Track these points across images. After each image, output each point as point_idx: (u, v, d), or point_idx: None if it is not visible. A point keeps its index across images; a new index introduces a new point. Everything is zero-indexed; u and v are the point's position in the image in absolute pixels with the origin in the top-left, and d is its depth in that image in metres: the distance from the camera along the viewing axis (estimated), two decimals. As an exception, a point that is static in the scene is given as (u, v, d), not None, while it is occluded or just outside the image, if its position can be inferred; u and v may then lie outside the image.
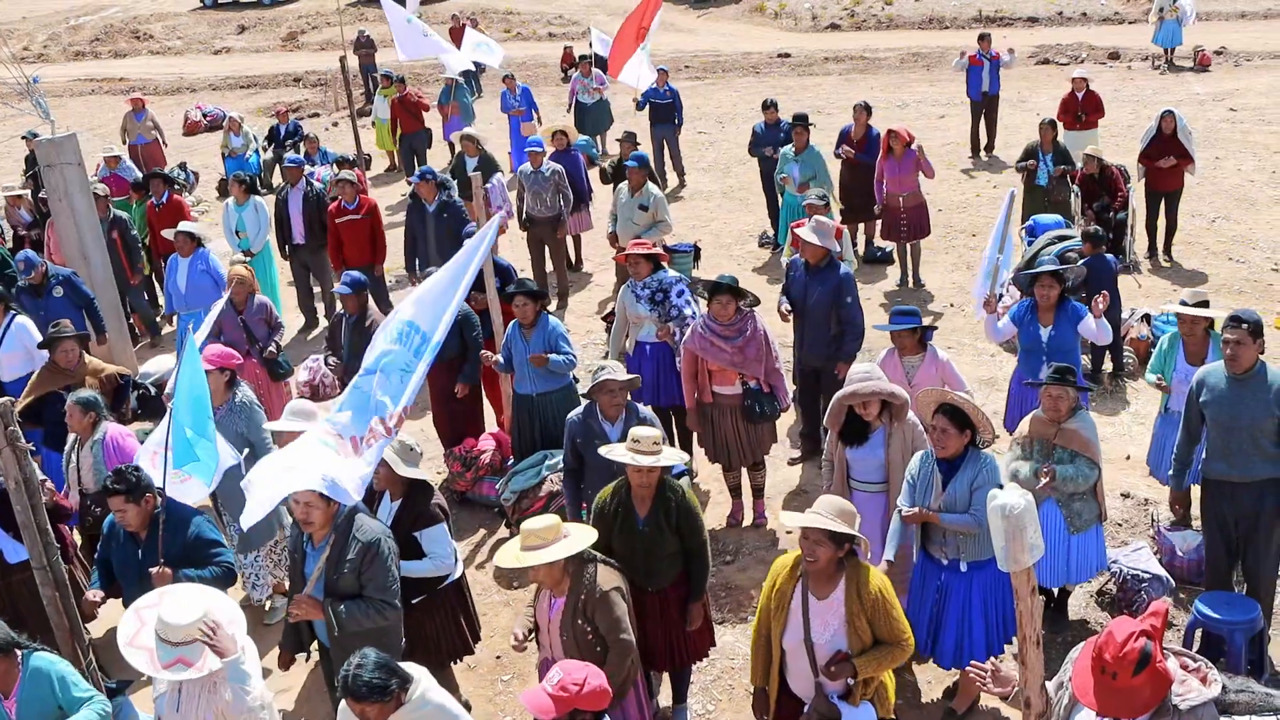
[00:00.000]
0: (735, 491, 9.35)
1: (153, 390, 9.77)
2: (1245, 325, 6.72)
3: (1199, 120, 20.18)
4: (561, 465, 8.77)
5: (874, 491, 7.15)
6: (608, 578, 5.95)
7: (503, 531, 9.39)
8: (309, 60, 35.48)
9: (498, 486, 9.29)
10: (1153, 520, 8.70)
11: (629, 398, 7.71)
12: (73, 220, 11.64)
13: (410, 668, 5.08)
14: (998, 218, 9.17)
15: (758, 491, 9.32)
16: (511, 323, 9.36)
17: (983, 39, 19.81)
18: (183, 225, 12.14)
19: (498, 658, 7.98)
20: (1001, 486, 6.22)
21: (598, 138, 21.34)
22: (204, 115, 26.81)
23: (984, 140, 19.92)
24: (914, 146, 13.73)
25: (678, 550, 6.53)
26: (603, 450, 6.89)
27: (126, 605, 6.78)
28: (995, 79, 19.49)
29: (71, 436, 8.22)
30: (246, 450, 8.00)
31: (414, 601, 6.69)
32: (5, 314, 10.25)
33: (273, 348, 10.48)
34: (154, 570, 6.31)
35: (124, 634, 5.44)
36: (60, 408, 9.13)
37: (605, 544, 6.45)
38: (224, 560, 6.59)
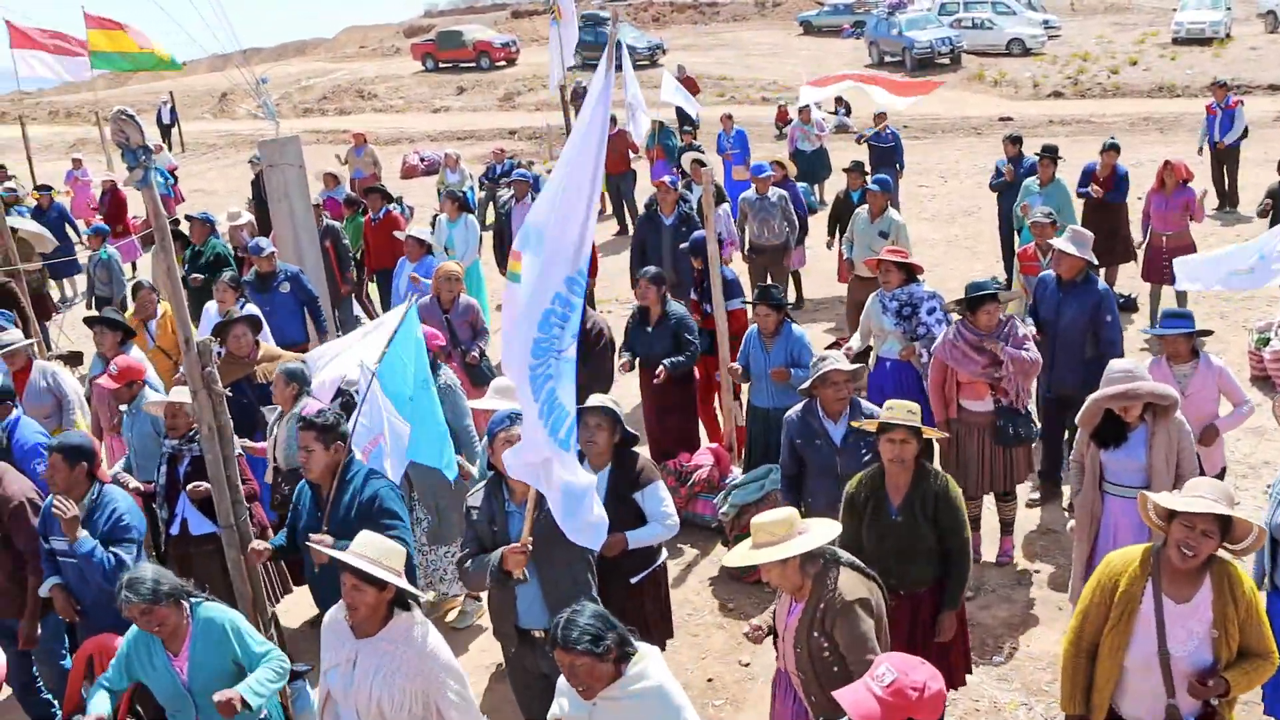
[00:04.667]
0: (974, 523, 8.32)
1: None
2: None
3: None
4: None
5: (1132, 497, 5.94)
6: (853, 586, 4.88)
7: (719, 551, 8.63)
8: (524, 119, 35.98)
9: (715, 501, 8.57)
10: None
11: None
12: (290, 222, 11.46)
13: (640, 644, 4.42)
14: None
15: (1006, 526, 8.36)
16: (750, 329, 8.73)
17: (1219, 86, 18.53)
18: (413, 229, 11.88)
19: (709, 680, 7.23)
20: None
21: (815, 187, 20.72)
22: (421, 159, 27.23)
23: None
24: (1190, 185, 12.64)
25: (934, 547, 5.71)
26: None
27: (309, 576, 6.26)
28: (1227, 127, 17.90)
29: (274, 411, 7.83)
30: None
31: (633, 581, 6.00)
32: (236, 300, 9.90)
33: (475, 352, 9.79)
34: (314, 536, 5.66)
35: None
36: (239, 400, 8.68)
37: (855, 540, 5.69)
38: (398, 535, 5.71)
